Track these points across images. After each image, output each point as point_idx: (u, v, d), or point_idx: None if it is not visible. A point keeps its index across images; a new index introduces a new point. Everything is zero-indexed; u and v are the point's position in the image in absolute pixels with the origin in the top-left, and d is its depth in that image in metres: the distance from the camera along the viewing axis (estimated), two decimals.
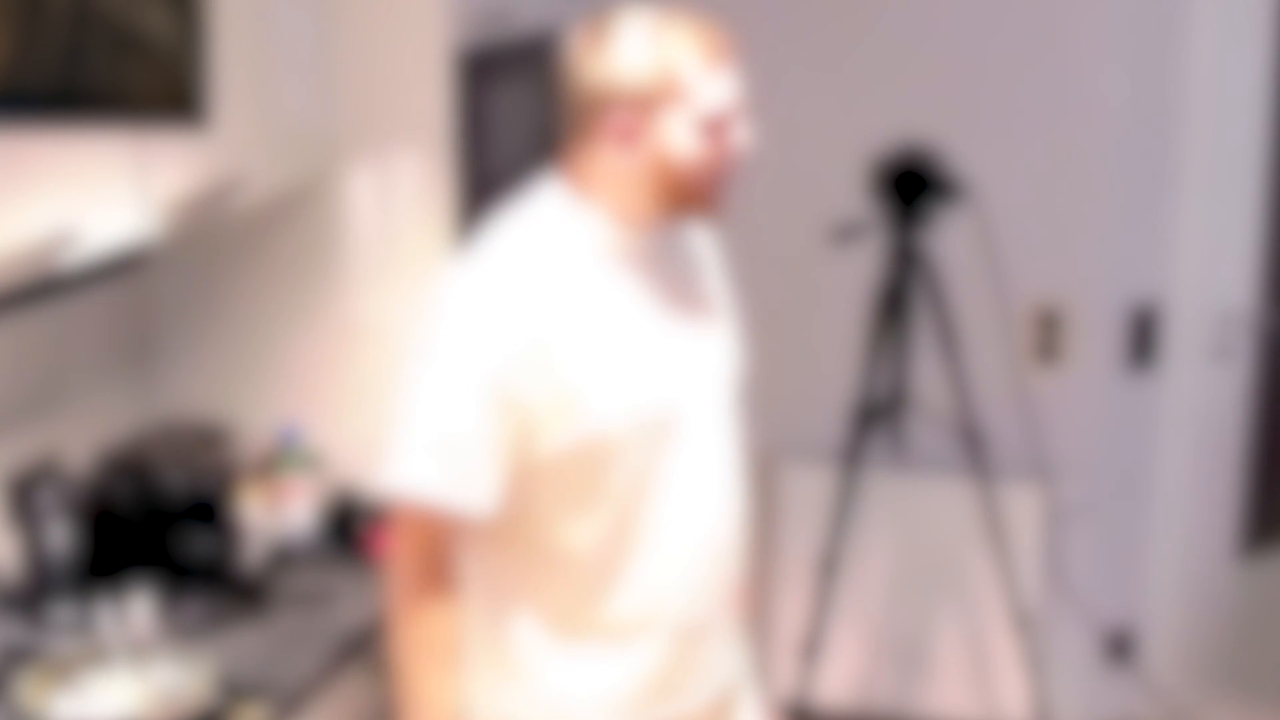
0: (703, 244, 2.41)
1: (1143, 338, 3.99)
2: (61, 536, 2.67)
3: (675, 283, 2.30)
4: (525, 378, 2.12)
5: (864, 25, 3.90)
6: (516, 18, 3.29)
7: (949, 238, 3.76)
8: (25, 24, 2.09)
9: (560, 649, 2.28)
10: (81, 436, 2.88)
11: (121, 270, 2.96)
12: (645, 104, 2.12)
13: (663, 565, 2.26)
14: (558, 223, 2.20)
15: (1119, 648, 4.16)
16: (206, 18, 2.46)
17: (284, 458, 3.01)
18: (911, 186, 3.67)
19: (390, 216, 3.05)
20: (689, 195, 2.19)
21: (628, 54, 2.12)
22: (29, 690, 2.35)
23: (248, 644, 2.60)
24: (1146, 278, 3.96)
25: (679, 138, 2.13)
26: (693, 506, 2.27)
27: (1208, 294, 3.96)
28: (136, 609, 2.49)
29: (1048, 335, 3.98)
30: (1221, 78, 3.84)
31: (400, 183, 3.03)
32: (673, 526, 2.26)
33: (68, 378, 2.92)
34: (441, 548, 2.21)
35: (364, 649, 2.68)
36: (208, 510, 2.78)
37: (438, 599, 2.20)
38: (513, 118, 3.32)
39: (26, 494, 2.65)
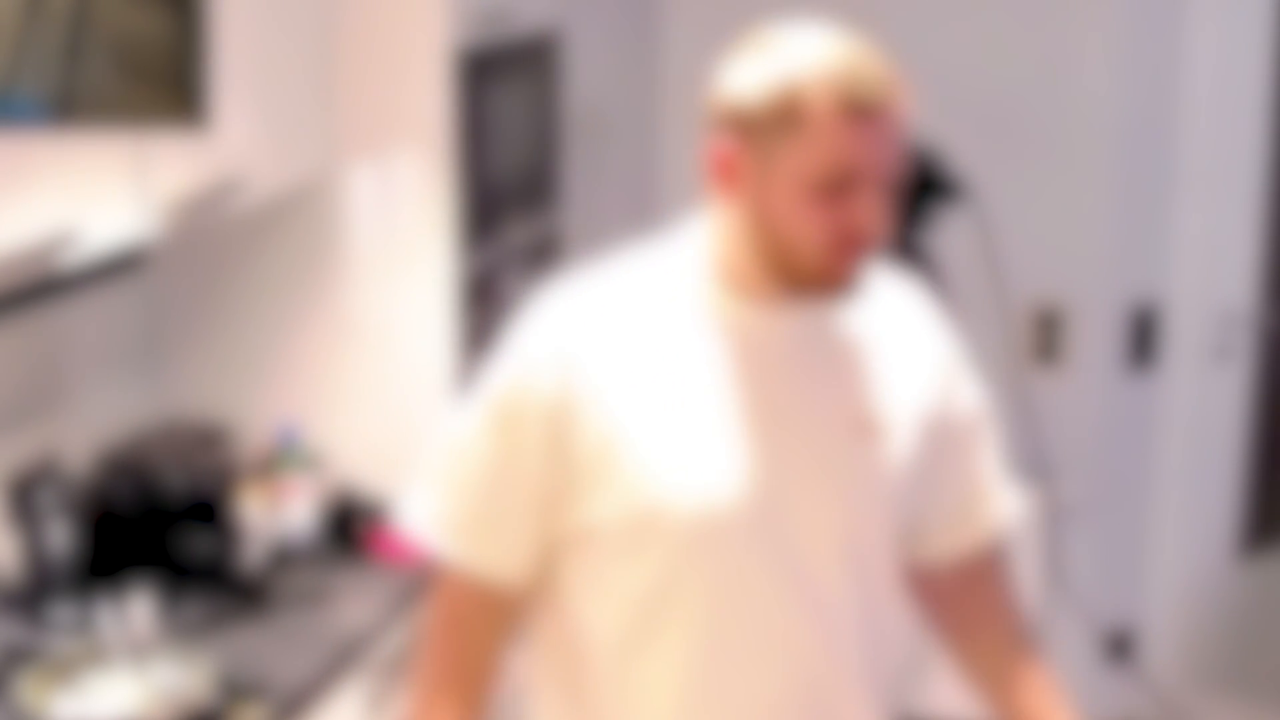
0: (913, 350, 1.96)
1: (1143, 338, 3.99)
2: (61, 536, 2.67)
3: (814, 377, 1.87)
4: (581, 424, 1.80)
5: (863, 25, 3.89)
6: (516, 18, 3.29)
7: (949, 238, 3.76)
8: (25, 25, 2.09)
9: None
10: (81, 436, 2.88)
11: (122, 270, 2.96)
12: (751, 131, 1.76)
13: (696, 688, 1.86)
14: (679, 269, 1.86)
15: (1119, 648, 4.16)
16: (207, 18, 2.46)
17: (284, 458, 3.01)
18: (911, 186, 3.67)
19: (390, 216, 3.05)
20: (791, 267, 1.79)
21: (755, 66, 1.78)
22: (29, 690, 2.35)
23: (248, 644, 2.60)
24: (1146, 278, 3.96)
25: (783, 188, 1.75)
26: (767, 643, 1.85)
27: (1208, 294, 3.96)
28: (136, 609, 2.49)
29: (1048, 335, 3.98)
30: (1221, 78, 3.84)
31: (400, 183, 3.03)
32: (730, 656, 1.85)
33: (68, 378, 2.92)
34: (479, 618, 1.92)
35: (364, 649, 2.68)
36: (208, 510, 2.78)
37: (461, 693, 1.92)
38: (513, 118, 3.31)
39: (26, 494, 2.65)
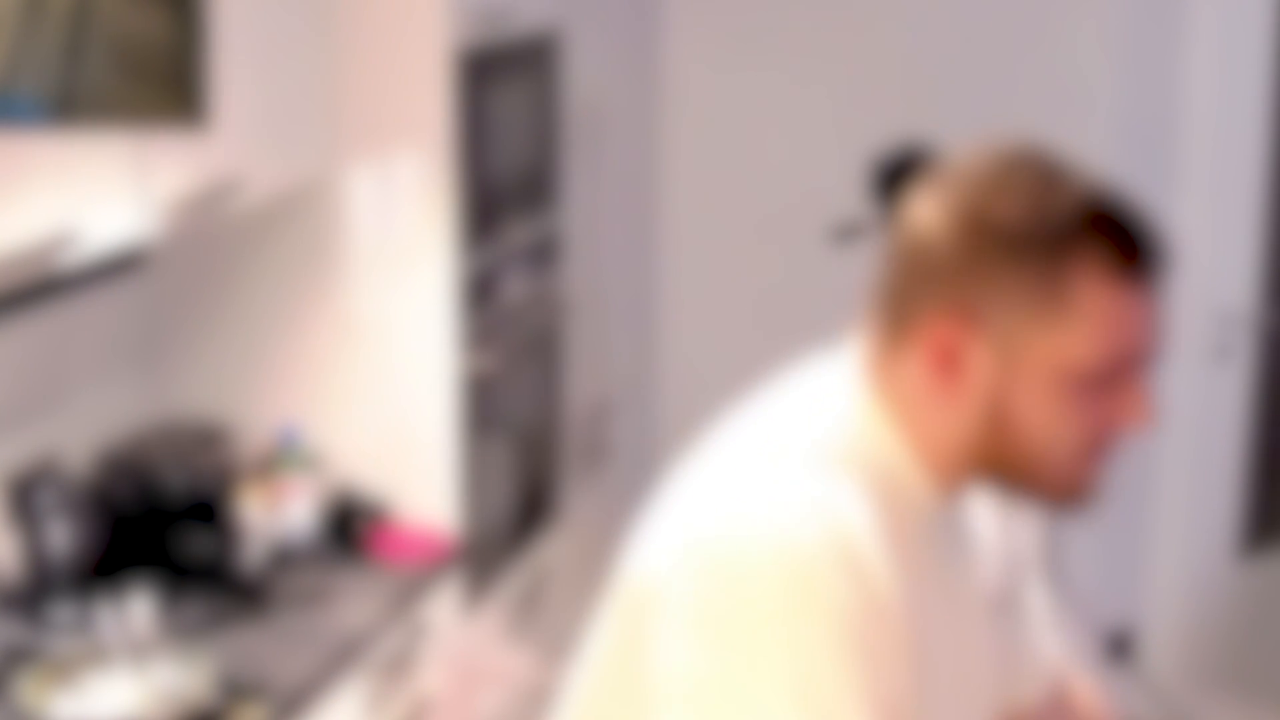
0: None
1: None
2: (61, 536, 2.67)
3: (966, 561, 1.52)
4: (883, 672, 1.30)
5: (864, 25, 3.90)
6: (516, 18, 3.29)
7: None
8: (25, 25, 2.09)
9: None
10: (81, 436, 2.88)
11: (122, 270, 2.96)
12: (989, 309, 1.30)
13: None
14: (871, 454, 1.39)
15: (1119, 648, 4.16)
16: (207, 18, 2.46)
17: (284, 458, 3.01)
18: (911, 186, 3.67)
19: (390, 216, 3.05)
20: (1026, 473, 1.36)
21: (994, 203, 1.33)
22: (29, 690, 2.35)
23: (248, 644, 2.60)
24: None
25: (1035, 382, 1.31)
26: None
27: (1208, 294, 3.96)
28: (136, 609, 2.49)
29: None
30: (1221, 78, 3.84)
31: (400, 183, 3.03)
32: None
33: (68, 378, 2.92)
34: None
35: (364, 649, 2.68)
36: (208, 510, 2.78)
37: None
38: (513, 118, 3.32)
39: (26, 494, 2.65)
